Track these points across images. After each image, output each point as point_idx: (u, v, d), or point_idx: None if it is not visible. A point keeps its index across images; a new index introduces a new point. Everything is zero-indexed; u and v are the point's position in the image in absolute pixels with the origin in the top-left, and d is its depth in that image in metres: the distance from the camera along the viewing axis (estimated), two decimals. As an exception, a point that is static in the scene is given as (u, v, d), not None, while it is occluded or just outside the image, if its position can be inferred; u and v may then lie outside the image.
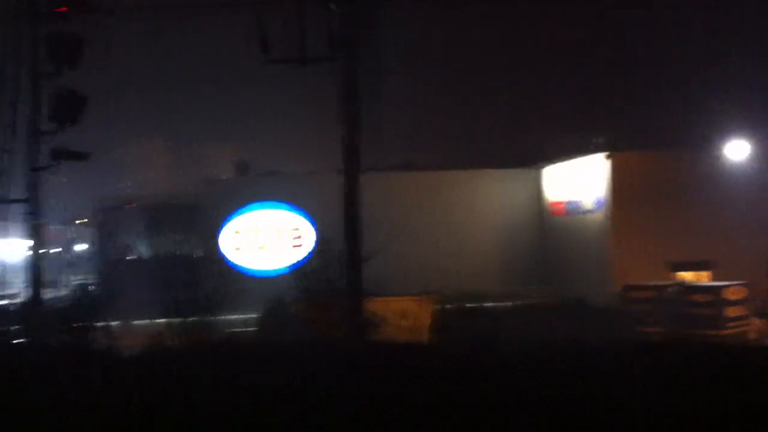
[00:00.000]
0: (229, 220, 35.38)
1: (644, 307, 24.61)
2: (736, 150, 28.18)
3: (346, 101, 13.49)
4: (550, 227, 33.29)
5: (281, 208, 35.09)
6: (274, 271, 33.98)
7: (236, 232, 35.17)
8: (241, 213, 35.24)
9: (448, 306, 25.24)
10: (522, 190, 34.85)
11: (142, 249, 29.98)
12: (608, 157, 28.27)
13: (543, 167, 34.51)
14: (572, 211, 31.19)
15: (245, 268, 34.77)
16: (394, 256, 32.92)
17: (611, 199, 28.11)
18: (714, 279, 27.95)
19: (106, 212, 33.37)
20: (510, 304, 26.27)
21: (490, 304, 26.79)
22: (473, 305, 25.28)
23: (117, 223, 29.44)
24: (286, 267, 35.66)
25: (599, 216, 28.90)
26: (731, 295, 24.57)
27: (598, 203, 28.94)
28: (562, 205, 32.20)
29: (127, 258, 32.14)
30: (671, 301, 24.39)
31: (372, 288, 28.46)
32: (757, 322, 25.99)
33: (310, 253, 35.30)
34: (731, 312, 24.38)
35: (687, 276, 28.16)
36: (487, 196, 34.90)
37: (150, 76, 49.58)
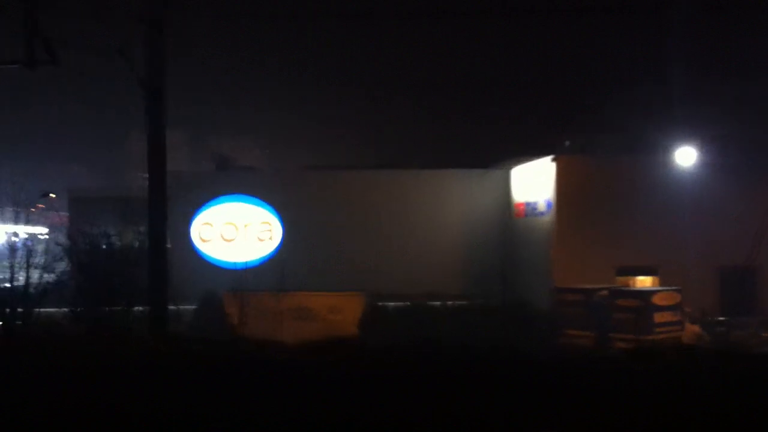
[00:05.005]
0: (199, 212, 36.05)
1: (574, 311, 24.86)
2: (684, 156, 28.23)
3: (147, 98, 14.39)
4: (513, 228, 33.43)
5: (250, 202, 35.63)
6: (242, 263, 34.57)
7: (206, 223, 35.82)
8: (212, 205, 35.80)
9: (381, 303, 25.78)
10: (490, 191, 34.84)
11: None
12: (554, 160, 28.42)
13: (512, 168, 34.43)
14: (530, 212, 31.35)
15: (214, 260, 35.50)
16: (346, 253, 33.62)
17: (555, 202, 28.29)
18: (661, 284, 28.02)
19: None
20: (449, 304, 26.64)
21: (435, 303, 27.27)
22: (405, 304, 25.80)
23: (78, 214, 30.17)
24: (254, 260, 36.41)
25: (548, 218, 29.11)
26: (661, 300, 24.71)
27: (549, 205, 29.13)
28: (522, 207, 32.34)
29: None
30: (599, 306, 24.59)
31: (320, 284, 29.14)
32: (693, 328, 26.08)
33: (276, 248, 36.02)
34: (660, 317, 24.50)
35: (632, 281, 28.28)
36: (455, 196, 35.00)
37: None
